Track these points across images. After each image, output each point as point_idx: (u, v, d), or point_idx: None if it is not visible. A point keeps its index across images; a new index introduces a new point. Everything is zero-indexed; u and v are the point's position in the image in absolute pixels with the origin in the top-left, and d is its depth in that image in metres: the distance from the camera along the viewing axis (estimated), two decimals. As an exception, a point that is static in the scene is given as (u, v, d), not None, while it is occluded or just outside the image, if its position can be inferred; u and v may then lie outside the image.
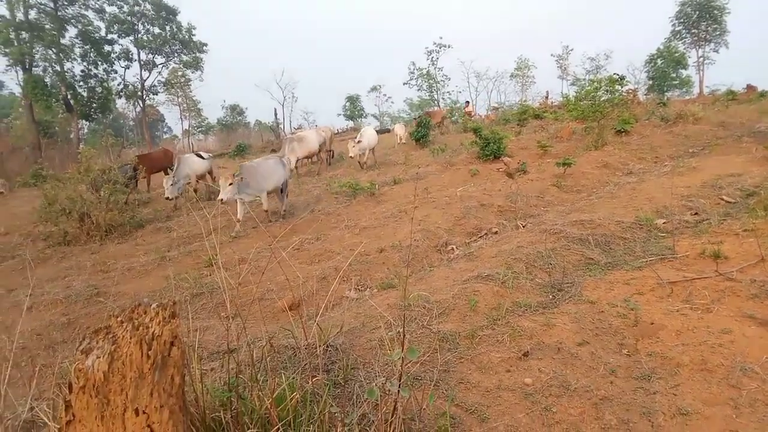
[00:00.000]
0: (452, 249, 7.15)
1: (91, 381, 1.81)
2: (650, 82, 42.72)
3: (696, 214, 6.94)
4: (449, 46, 48.86)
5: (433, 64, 49.86)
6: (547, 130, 17.12)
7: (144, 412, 1.86)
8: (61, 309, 6.61)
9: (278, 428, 2.51)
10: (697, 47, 46.05)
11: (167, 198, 12.40)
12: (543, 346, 3.85)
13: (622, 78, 14.67)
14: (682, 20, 45.18)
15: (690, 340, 3.72)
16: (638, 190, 8.57)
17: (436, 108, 29.74)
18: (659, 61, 42.59)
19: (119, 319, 1.97)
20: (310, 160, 17.10)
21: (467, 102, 25.39)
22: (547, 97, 36.79)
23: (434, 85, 50.78)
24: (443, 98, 50.87)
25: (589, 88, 15.43)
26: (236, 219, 9.50)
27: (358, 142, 15.22)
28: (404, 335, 2.61)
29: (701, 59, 46.23)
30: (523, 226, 7.46)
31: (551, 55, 56.06)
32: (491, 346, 3.92)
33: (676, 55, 42.60)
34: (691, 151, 12.66)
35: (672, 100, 25.70)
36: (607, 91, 14.55)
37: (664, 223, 6.58)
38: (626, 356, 3.63)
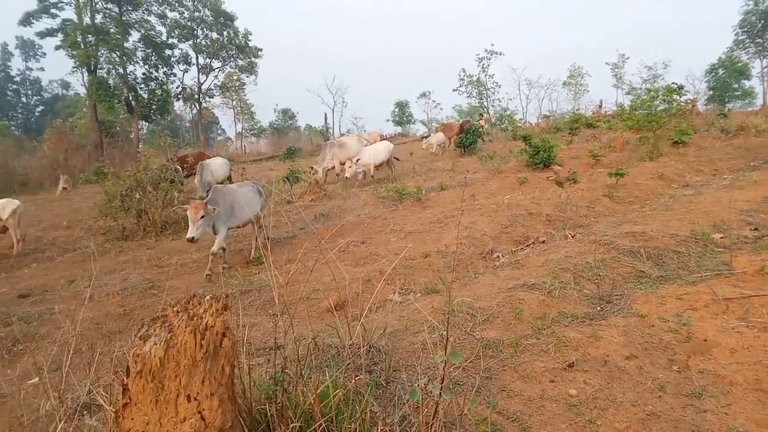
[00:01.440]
0: (498, 257, 7.09)
1: (148, 366, 1.90)
2: (710, 93, 41.10)
3: (756, 229, 6.65)
4: (501, 53, 48.28)
5: (483, 71, 49.40)
6: (600, 140, 16.76)
7: (195, 399, 1.94)
8: (118, 300, 6.91)
9: (321, 424, 2.56)
10: (762, 57, 44.04)
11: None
12: (589, 357, 3.78)
13: (681, 87, 14.22)
14: (746, 29, 43.32)
15: (745, 358, 3.58)
16: (695, 203, 8.28)
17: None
18: (720, 71, 40.97)
19: (175, 309, 2.07)
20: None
21: (481, 114, 24.92)
22: (600, 106, 35.93)
23: (484, 92, 50.33)
24: (492, 105, 50.36)
25: (645, 97, 15.02)
26: (213, 251, 7.76)
27: (357, 160, 14.59)
28: (447, 338, 2.62)
29: (766, 69, 44.20)
30: (572, 236, 7.32)
31: (606, 63, 54.63)
32: (535, 356, 3.88)
33: (739, 65, 40.89)
34: (753, 164, 12.11)
35: (733, 112, 24.64)
36: (664, 100, 14.13)
37: (721, 237, 6.33)
38: (676, 372, 3.52)
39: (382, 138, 21.07)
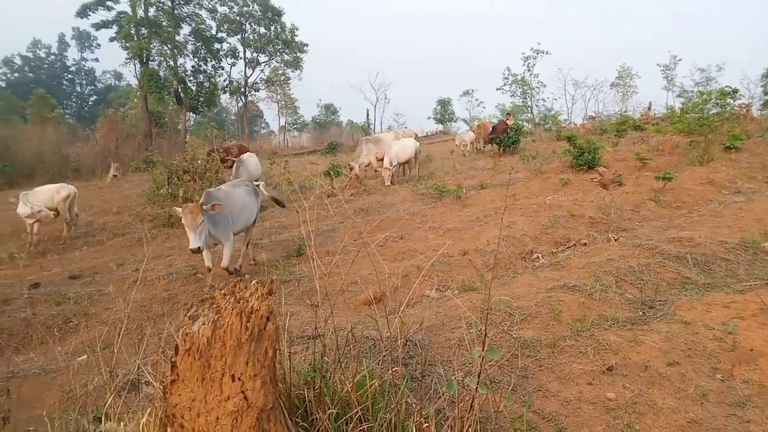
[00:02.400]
0: (537, 257, 7.01)
1: (196, 345, 1.98)
2: (767, 98, 39.37)
3: (811, 239, 6.38)
4: (547, 53, 47.40)
5: (528, 71, 48.62)
6: (648, 143, 16.30)
7: (239, 379, 2.01)
8: (163, 284, 7.14)
9: (357, 412, 2.61)
10: (824, 61, 41.86)
11: None
12: (629, 362, 3.72)
13: (735, 91, 13.70)
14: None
15: (794, 371, 3.46)
16: (746, 210, 7.98)
17: (485, 120, 28.50)
18: (778, 75, 39.21)
19: (223, 291, 2.15)
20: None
21: (508, 114, 24.29)
22: (649, 108, 34.91)
23: (528, 91, 49.57)
24: (537, 105, 49.53)
25: (697, 100, 14.53)
26: (207, 267, 6.89)
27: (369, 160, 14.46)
28: (485, 334, 2.63)
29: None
30: (615, 240, 7.17)
31: (657, 64, 52.93)
32: (573, 357, 3.84)
33: (797, 69, 39.02)
34: (810, 172, 11.60)
35: (792, 117, 23.58)
36: (717, 104, 13.62)
37: (773, 246, 6.11)
38: (720, 381, 3.43)
39: (416, 136, 20.78)
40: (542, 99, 49.89)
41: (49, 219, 10.63)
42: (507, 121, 21.50)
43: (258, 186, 8.11)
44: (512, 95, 50.96)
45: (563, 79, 51.58)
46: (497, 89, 50.83)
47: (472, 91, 55.84)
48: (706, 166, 11.96)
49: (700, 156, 12.65)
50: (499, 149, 19.12)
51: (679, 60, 51.32)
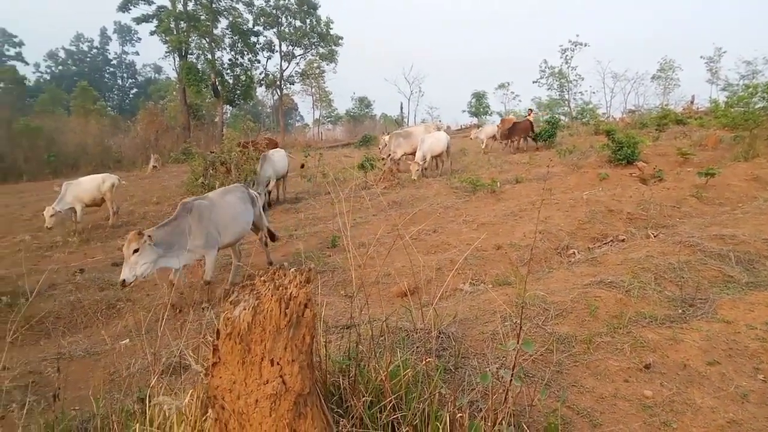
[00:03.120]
0: (573, 253, 6.92)
1: (237, 329, 2.04)
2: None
3: None
4: (586, 45, 46.46)
5: (566, 63, 47.75)
6: (690, 137, 15.87)
7: (278, 363, 2.06)
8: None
9: (391, 400, 2.64)
10: None
11: None
12: (667, 360, 3.65)
13: (784, 84, 13.20)
14: None
15: (842, 374, 3.35)
16: (793, 207, 7.73)
17: (510, 116, 27.67)
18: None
19: (263, 278, 2.20)
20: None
21: (530, 110, 23.54)
22: (692, 102, 33.94)
23: (566, 84, 48.70)
24: (574, 98, 48.64)
25: (742, 93, 14.09)
26: (170, 296, 6.00)
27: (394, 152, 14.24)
28: (521, 327, 2.63)
29: None
30: (655, 236, 7.02)
31: (701, 57, 51.26)
32: (609, 354, 3.79)
33: None
34: None
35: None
36: (763, 97, 13.18)
37: (822, 245, 5.89)
38: (762, 382, 3.35)
39: (438, 129, 20.40)
40: (580, 92, 49.03)
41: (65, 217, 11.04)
42: (528, 118, 20.93)
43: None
44: (549, 88, 50.25)
45: (602, 72, 50.52)
46: (533, 82, 50.24)
47: (508, 84, 55.24)
48: (750, 162, 11.59)
49: (745, 151, 12.27)
50: (509, 145, 18.57)
51: (724, 52, 49.61)
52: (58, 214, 10.64)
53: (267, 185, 12.04)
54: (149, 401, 2.57)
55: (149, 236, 5.35)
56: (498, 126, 20.97)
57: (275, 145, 16.18)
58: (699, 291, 4.88)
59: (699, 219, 8.02)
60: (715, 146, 13.98)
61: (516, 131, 18.87)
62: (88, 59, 72.85)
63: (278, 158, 12.69)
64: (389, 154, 15.09)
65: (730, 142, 13.96)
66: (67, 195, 10.86)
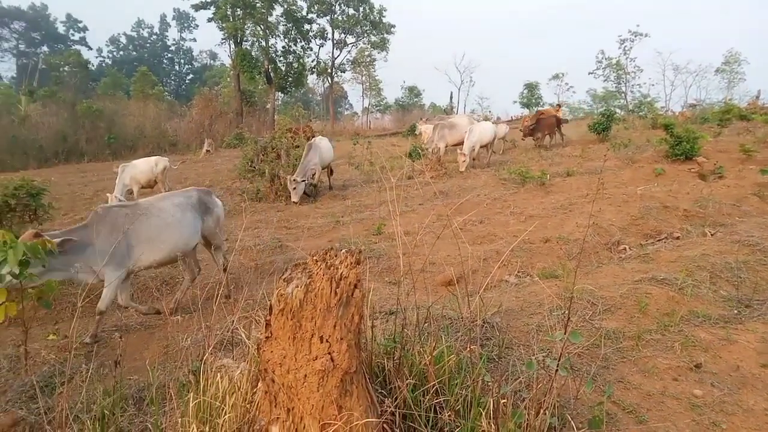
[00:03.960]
0: (624, 249, 6.76)
1: (289, 306, 2.12)
2: None
3: None
4: (646, 35, 44.79)
5: (625, 54, 46.18)
6: (754, 134, 15.13)
7: (327, 341, 2.13)
8: (251, 255, 7.50)
9: (434, 385, 2.68)
10: None
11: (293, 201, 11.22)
12: (719, 361, 3.56)
13: None
14: None
15: None
16: None
17: (548, 107, 26.06)
18: None
19: (315, 258, 2.27)
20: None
21: (558, 105, 22.29)
22: (757, 97, 32.31)
23: (623, 76, 47.14)
24: (631, 91, 47.06)
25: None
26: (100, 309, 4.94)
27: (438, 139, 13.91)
28: (568, 317, 2.61)
29: None
30: (712, 234, 6.78)
31: (770, 49, 48.66)
32: (659, 352, 3.72)
33: None
34: None
35: None
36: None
37: None
38: (820, 388, 3.22)
39: (487, 119, 19.71)
40: (638, 84, 47.39)
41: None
42: (557, 113, 19.76)
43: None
44: (605, 80, 48.79)
45: (662, 64, 48.73)
46: (589, 73, 48.92)
47: (563, 74, 53.89)
48: (819, 160, 10.98)
49: (814, 149, 11.63)
50: (538, 141, 17.76)
51: (796, 45, 46.87)
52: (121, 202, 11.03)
53: (313, 174, 11.88)
54: (202, 373, 2.69)
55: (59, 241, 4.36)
56: (526, 120, 19.40)
57: (312, 134, 16.06)
58: (756, 292, 4.70)
59: (760, 219, 7.67)
60: (781, 144, 13.30)
61: (541, 127, 17.74)
62: (147, 45, 75.38)
63: (324, 146, 12.41)
64: (433, 146, 14.87)
65: (798, 139, 13.26)
66: (125, 176, 11.34)
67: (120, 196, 10.95)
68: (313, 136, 14.57)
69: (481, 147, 14.53)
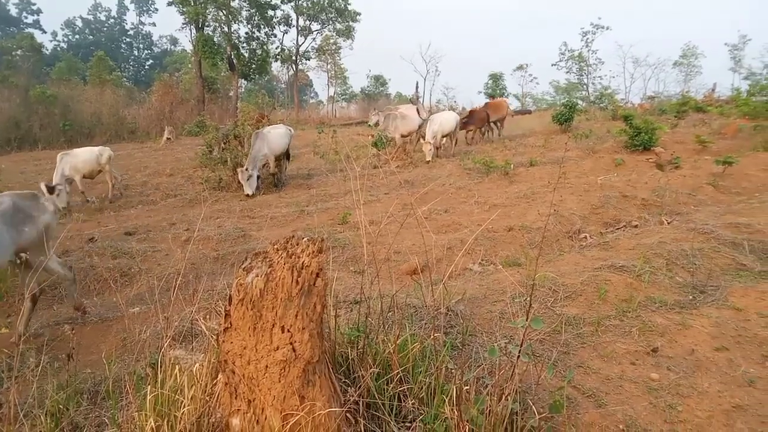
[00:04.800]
0: (585, 237, 6.89)
1: (249, 295, 2.07)
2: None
3: None
4: (607, 28, 45.72)
5: (587, 46, 47.05)
6: (710, 126, 15.62)
7: (288, 331, 2.09)
8: (212, 245, 7.36)
9: (398, 373, 2.67)
10: None
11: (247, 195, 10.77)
12: (675, 345, 3.65)
13: (809, 73, 12.91)
14: None
15: None
16: (812, 199, 7.61)
17: (498, 99, 25.75)
18: None
19: (276, 247, 2.22)
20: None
21: (487, 102, 22.42)
22: (713, 90, 33.40)
23: (585, 68, 48.03)
24: (593, 83, 48.00)
25: (765, 82, 13.81)
26: None
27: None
28: (530, 304, 2.63)
29: None
30: (668, 223, 6.97)
31: (725, 44, 50.26)
32: (617, 337, 3.80)
33: None
34: None
35: None
36: (788, 87, 12.91)
37: (839, 237, 5.81)
38: (770, 369, 3.34)
39: (453, 109, 19.42)
40: (599, 77, 48.38)
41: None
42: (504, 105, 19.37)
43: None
44: (568, 71, 49.64)
45: (623, 57, 49.80)
46: (552, 65, 49.75)
47: (526, 66, 54.56)
48: (770, 152, 11.39)
49: (765, 141, 12.08)
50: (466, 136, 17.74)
51: (749, 40, 48.64)
52: (62, 191, 10.23)
53: (264, 164, 11.45)
54: (161, 365, 2.61)
55: None
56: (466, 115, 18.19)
57: (265, 121, 15.61)
58: (711, 278, 4.85)
59: (714, 207, 7.93)
60: (735, 135, 13.75)
61: (474, 121, 17.50)
62: (105, 29, 72.96)
63: (275, 136, 11.74)
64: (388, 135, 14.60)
65: (750, 131, 13.72)
66: (64, 165, 10.65)
67: (57, 182, 10.33)
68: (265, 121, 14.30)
69: (443, 136, 14.57)
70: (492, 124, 18.59)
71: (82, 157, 11.00)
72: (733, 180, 9.46)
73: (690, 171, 10.11)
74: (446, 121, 14.50)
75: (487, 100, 24.51)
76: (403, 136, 14.64)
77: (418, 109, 15.48)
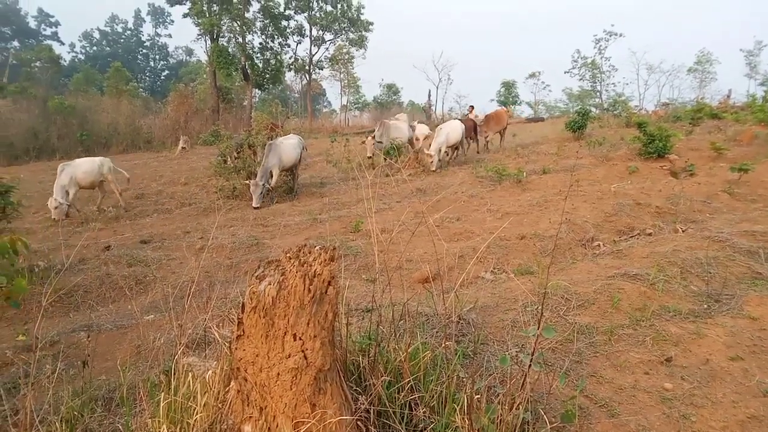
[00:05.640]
0: (599, 245, 6.85)
1: (262, 303, 2.10)
2: None
3: None
4: (621, 35, 45.52)
5: (600, 53, 46.86)
6: (725, 132, 15.47)
7: (300, 339, 2.11)
8: (226, 253, 7.42)
9: (409, 381, 2.68)
10: None
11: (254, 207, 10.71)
12: (689, 354, 3.62)
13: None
14: None
15: None
16: (829, 206, 7.50)
17: (499, 109, 23.82)
18: None
19: (288, 255, 2.25)
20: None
21: (471, 107, 21.86)
22: (728, 97, 33.02)
23: (598, 75, 47.82)
24: (606, 90, 47.75)
25: (782, 88, 13.64)
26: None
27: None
28: (542, 313, 2.63)
29: None
30: (683, 231, 6.90)
31: (740, 50, 49.72)
32: (630, 346, 3.77)
33: None
34: None
35: None
36: (804, 93, 12.76)
37: None
38: (786, 380, 3.29)
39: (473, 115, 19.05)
40: (612, 83, 48.14)
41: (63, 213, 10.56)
42: (470, 114, 18.63)
43: None
44: (581, 79, 49.44)
45: (636, 63, 49.41)
46: (565, 72, 49.54)
47: (539, 73, 54.43)
48: (787, 159, 11.25)
49: (782, 148, 11.93)
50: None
51: (765, 46, 48.08)
52: (61, 205, 10.38)
53: (270, 176, 11.24)
54: (174, 372, 2.64)
55: None
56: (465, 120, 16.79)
57: (277, 130, 15.61)
58: (726, 287, 4.79)
59: (730, 215, 7.85)
60: (750, 142, 13.61)
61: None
62: (122, 40, 74.04)
63: (288, 147, 11.63)
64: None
65: (766, 138, 13.58)
66: (63, 177, 10.65)
67: (60, 199, 10.41)
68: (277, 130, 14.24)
69: (449, 147, 14.36)
70: (499, 134, 18.15)
71: (83, 168, 11.01)
72: (748, 187, 9.36)
73: (705, 178, 10.01)
74: (453, 131, 14.20)
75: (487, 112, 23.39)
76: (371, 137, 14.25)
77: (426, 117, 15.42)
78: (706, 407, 3.00)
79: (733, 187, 9.22)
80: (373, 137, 14.02)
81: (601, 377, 3.38)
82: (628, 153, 12.69)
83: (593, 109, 30.67)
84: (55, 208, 10.36)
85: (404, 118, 17.47)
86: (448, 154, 14.54)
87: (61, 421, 2.76)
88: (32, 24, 67.12)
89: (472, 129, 16.21)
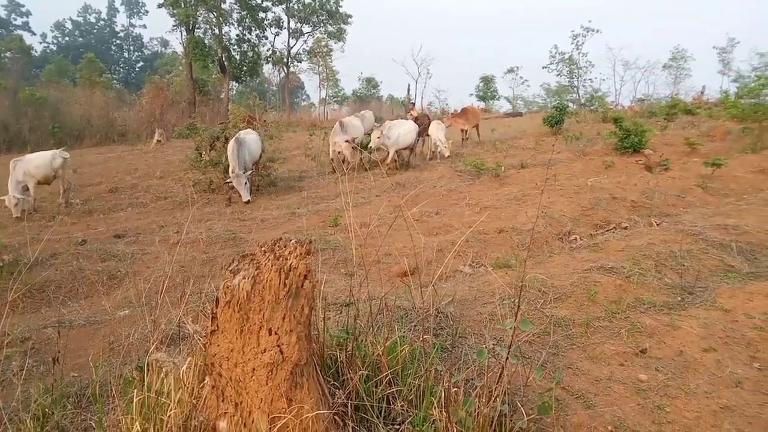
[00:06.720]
0: (576, 239, 6.92)
1: (236, 298, 2.05)
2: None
3: None
4: (597, 31, 45.97)
5: (577, 49, 47.28)
6: (699, 128, 15.76)
7: (276, 333, 2.08)
8: (202, 248, 7.32)
9: (387, 375, 2.67)
10: None
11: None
12: (663, 346, 3.67)
13: (796, 77, 13.07)
14: None
15: (838, 364, 3.35)
16: (799, 200, 7.68)
17: (472, 105, 21.29)
18: None
19: (263, 249, 2.21)
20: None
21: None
22: (702, 93, 33.65)
23: (575, 71, 48.26)
24: (583, 85, 48.22)
25: (753, 85, 13.94)
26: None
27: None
28: (518, 306, 2.64)
29: None
30: (657, 224, 7.01)
31: (713, 47, 50.58)
32: (606, 338, 3.81)
33: None
34: None
35: None
36: (774, 89, 13.06)
37: (825, 238, 5.87)
38: (757, 370, 3.35)
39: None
40: (589, 79, 48.62)
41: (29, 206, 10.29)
42: (411, 112, 18.00)
43: None
44: (558, 74, 49.83)
45: (613, 59, 49.97)
46: (543, 67, 49.83)
47: (517, 68, 54.73)
48: (758, 153, 11.52)
49: (753, 143, 12.20)
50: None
51: (737, 43, 49.03)
52: (21, 201, 9.98)
53: (245, 172, 10.43)
54: (148, 368, 2.59)
55: None
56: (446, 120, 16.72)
57: (252, 123, 15.18)
58: (699, 279, 4.88)
59: (703, 209, 7.99)
60: (723, 137, 13.89)
61: (420, 130, 15.09)
62: (95, 31, 72.55)
63: (251, 141, 11.10)
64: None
65: (739, 133, 13.86)
66: (17, 172, 10.26)
67: (17, 194, 9.98)
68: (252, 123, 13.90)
69: (399, 150, 13.42)
70: (473, 130, 17.75)
71: (35, 162, 10.63)
72: (721, 182, 9.54)
73: (679, 173, 10.18)
74: (407, 133, 13.21)
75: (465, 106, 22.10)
76: (347, 141, 13.16)
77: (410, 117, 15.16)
78: (680, 398, 3.04)
79: (706, 182, 9.39)
80: (353, 140, 13.30)
81: (578, 369, 3.41)
82: (604, 148, 12.84)
83: (570, 105, 30.96)
84: (15, 204, 9.92)
85: (369, 115, 17.22)
86: (395, 160, 13.62)
87: (31, 418, 2.69)
88: (2, 13, 65.36)
89: (427, 127, 15.20)
